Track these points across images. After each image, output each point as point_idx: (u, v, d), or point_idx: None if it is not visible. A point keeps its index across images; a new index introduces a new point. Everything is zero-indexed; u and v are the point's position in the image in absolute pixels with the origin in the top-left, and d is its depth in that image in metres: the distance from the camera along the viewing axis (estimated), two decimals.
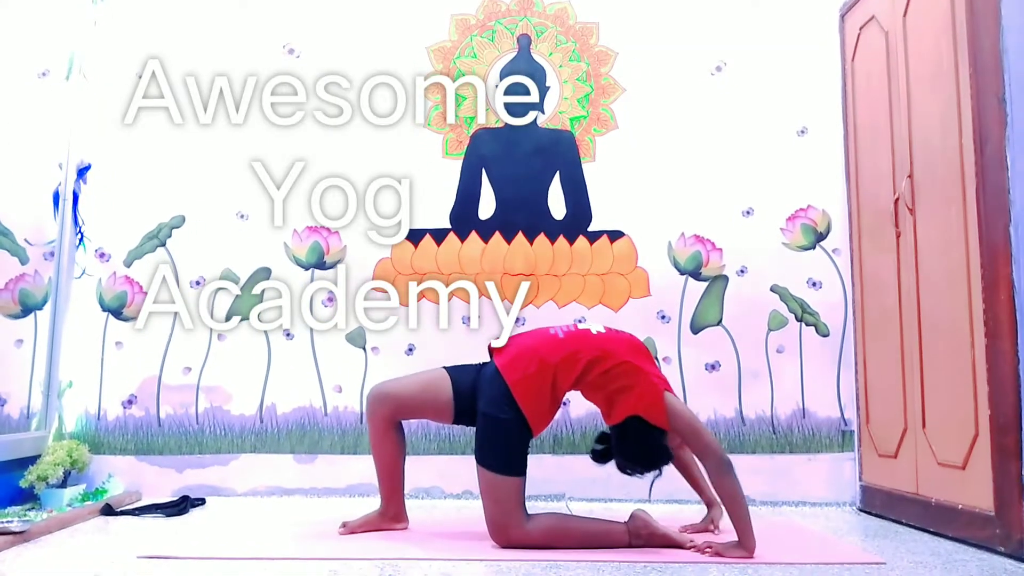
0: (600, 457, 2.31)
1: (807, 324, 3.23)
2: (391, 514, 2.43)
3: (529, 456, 2.23)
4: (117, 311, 3.21)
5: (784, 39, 3.37)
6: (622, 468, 2.24)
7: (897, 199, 2.75)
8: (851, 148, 3.17)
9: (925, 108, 2.60)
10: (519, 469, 2.19)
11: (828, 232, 3.28)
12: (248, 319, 3.20)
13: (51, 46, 3.09)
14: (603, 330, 2.31)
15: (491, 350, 2.38)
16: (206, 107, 3.31)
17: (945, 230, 2.45)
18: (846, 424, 3.17)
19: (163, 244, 3.25)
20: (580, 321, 2.35)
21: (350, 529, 2.38)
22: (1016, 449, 2.11)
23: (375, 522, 2.41)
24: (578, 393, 2.33)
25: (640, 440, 2.16)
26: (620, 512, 2.34)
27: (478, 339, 3.19)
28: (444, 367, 2.41)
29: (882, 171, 2.88)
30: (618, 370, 2.18)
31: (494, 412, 2.21)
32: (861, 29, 3.08)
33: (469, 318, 3.23)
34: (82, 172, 3.23)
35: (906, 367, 2.70)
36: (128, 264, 3.24)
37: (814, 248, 3.28)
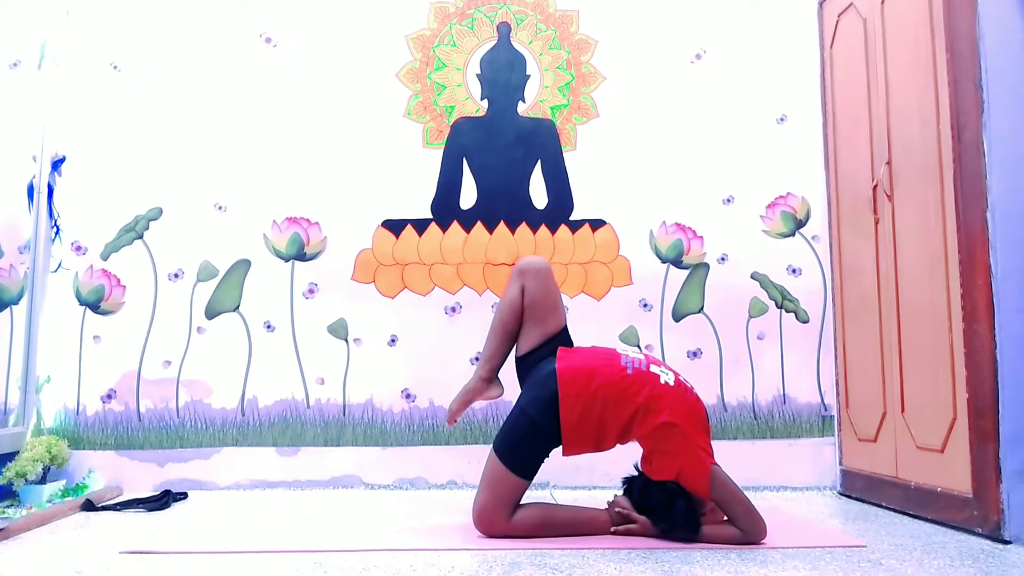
0: (631, 491, 2.25)
1: (787, 311, 3.26)
2: (485, 376, 2.36)
3: None
4: (94, 305, 3.17)
5: (763, 27, 3.39)
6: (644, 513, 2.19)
7: (875, 185, 2.77)
8: (830, 135, 3.18)
9: (903, 95, 2.62)
10: (529, 474, 2.18)
11: (807, 219, 3.30)
12: (228, 312, 3.19)
13: (23, 36, 3.04)
14: (672, 382, 2.19)
15: (559, 350, 2.30)
16: (182, 97, 3.29)
17: (923, 216, 2.48)
18: (826, 409, 3.20)
19: (140, 237, 3.21)
20: (657, 364, 2.26)
21: (453, 416, 2.36)
22: (994, 432, 2.14)
23: (472, 392, 2.36)
24: None
25: (671, 502, 2.11)
26: (605, 499, 2.35)
27: (461, 329, 3.20)
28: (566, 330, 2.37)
29: (861, 158, 2.90)
30: (666, 431, 2.11)
31: (534, 413, 2.17)
32: (839, 16, 3.09)
33: (451, 308, 3.23)
34: (57, 164, 3.18)
35: (885, 352, 2.72)
36: (105, 257, 3.20)
37: (794, 235, 3.30)
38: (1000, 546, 2.08)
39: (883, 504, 2.71)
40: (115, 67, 3.28)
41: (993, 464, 2.14)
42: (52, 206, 3.16)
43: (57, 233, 3.17)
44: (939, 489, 2.37)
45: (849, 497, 2.96)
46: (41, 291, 3.10)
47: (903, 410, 2.60)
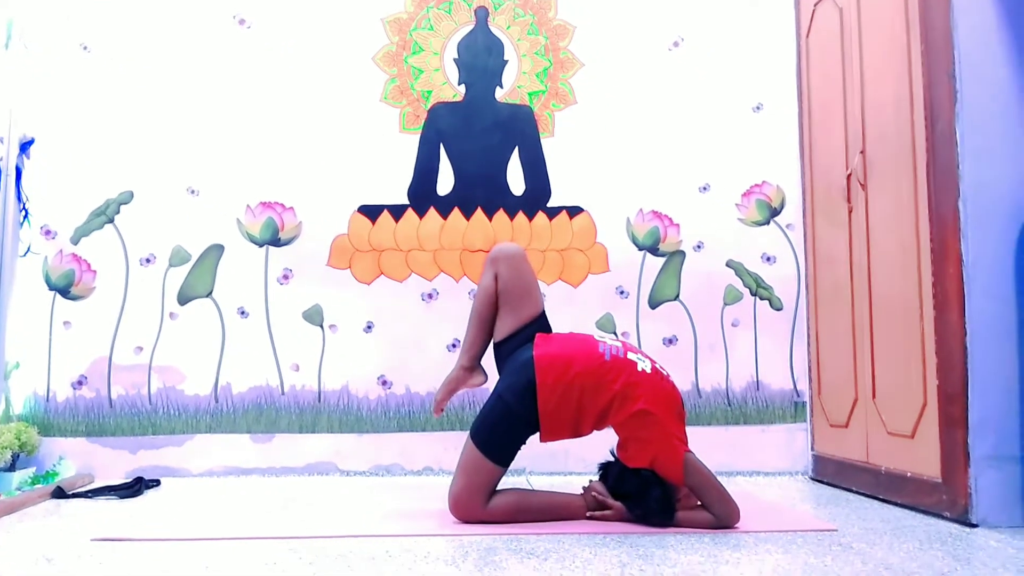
0: (605, 475, 2.27)
1: (761, 298, 3.29)
2: (467, 365, 2.37)
3: None
4: (64, 290, 3.12)
5: (740, 15, 3.39)
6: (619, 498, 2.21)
7: (849, 175, 2.80)
8: (805, 124, 3.20)
9: (878, 85, 2.64)
10: (505, 461, 2.18)
11: (782, 207, 3.33)
12: (201, 297, 3.15)
13: None
14: (649, 370, 2.18)
15: (537, 337, 2.29)
16: (154, 79, 3.23)
17: (896, 205, 2.50)
18: (799, 396, 3.23)
19: (111, 221, 3.17)
20: (634, 351, 2.26)
21: (439, 406, 2.39)
22: (963, 418, 2.17)
23: (454, 382, 2.38)
24: None
25: (645, 489, 2.12)
26: (580, 485, 2.36)
27: (437, 316, 3.19)
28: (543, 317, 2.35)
29: (835, 147, 2.93)
30: (642, 419, 2.11)
31: (511, 400, 2.16)
32: (816, 6, 3.10)
33: (428, 295, 3.22)
34: (25, 146, 3.11)
35: (857, 339, 2.76)
36: (75, 241, 3.14)
37: (768, 223, 3.32)
38: (967, 529, 2.12)
39: (854, 489, 2.75)
40: (85, 48, 3.22)
41: (962, 449, 2.17)
42: (20, 189, 3.10)
43: (26, 217, 3.11)
44: (909, 474, 2.41)
45: (820, 482, 3.00)
46: (9, 276, 3.04)
47: (874, 396, 2.63)
